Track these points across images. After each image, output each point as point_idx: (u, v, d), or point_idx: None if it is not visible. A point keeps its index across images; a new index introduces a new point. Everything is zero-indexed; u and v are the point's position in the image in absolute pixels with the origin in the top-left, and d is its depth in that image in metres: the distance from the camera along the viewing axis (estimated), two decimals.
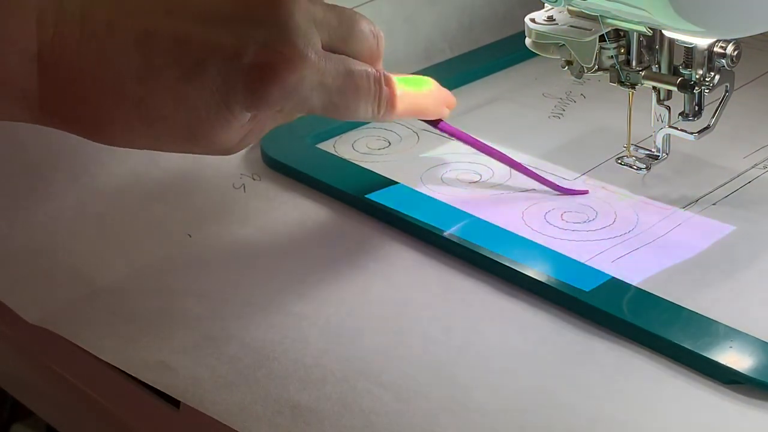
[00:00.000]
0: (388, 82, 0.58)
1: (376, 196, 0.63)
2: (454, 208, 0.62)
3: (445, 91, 0.63)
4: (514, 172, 0.65)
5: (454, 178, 0.65)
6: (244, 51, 0.51)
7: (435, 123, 0.63)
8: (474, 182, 0.65)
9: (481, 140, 0.64)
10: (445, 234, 0.59)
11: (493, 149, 0.64)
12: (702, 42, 0.57)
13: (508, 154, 0.64)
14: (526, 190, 0.64)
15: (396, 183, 0.64)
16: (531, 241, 0.59)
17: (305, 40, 0.52)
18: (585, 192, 0.63)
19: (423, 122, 0.63)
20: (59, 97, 0.51)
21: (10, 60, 0.50)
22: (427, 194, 0.64)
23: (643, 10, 0.52)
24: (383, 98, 0.58)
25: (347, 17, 0.56)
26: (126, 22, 0.51)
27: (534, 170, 0.64)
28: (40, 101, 0.51)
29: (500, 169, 0.65)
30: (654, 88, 0.60)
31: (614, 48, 0.59)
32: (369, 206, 0.63)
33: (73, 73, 0.51)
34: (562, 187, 0.64)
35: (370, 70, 0.57)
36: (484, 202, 0.63)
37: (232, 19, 0.51)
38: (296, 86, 0.52)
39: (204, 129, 0.52)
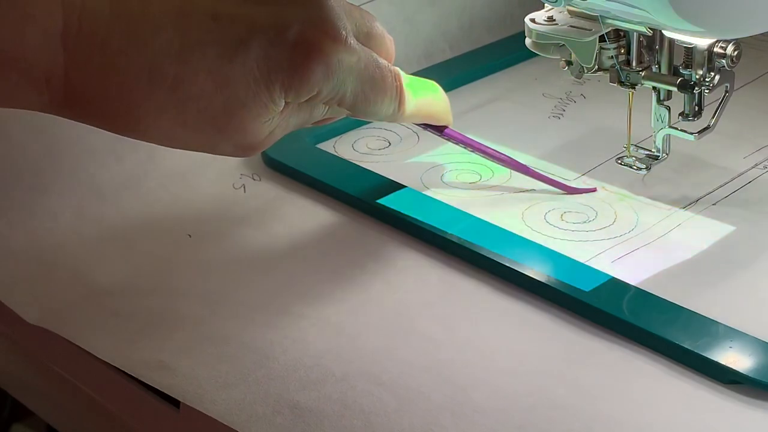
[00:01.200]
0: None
1: (375, 196, 0.63)
2: (454, 208, 0.62)
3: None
4: (514, 172, 0.65)
5: (454, 179, 0.65)
6: (287, 29, 0.51)
7: (440, 129, 0.63)
8: (474, 182, 0.65)
9: (488, 145, 0.64)
10: (446, 235, 0.59)
11: (501, 154, 0.64)
12: (702, 42, 0.57)
13: (510, 156, 0.65)
14: (526, 190, 0.64)
15: (396, 183, 0.64)
16: (531, 241, 0.59)
17: (343, 23, 0.53)
18: (593, 190, 0.64)
19: (425, 127, 0.63)
20: (86, 79, 0.49)
21: (32, 38, 0.48)
22: (427, 195, 0.64)
23: (643, 10, 0.52)
24: (403, 97, 0.58)
25: (368, 16, 0.57)
26: (160, 0, 0.50)
27: (542, 173, 0.64)
28: (64, 84, 0.49)
29: (500, 170, 0.65)
30: (654, 88, 0.60)
31: (614, 48, 0.59)
32: (369, 206, 0.63)
33: (103, 52, 0.49)
34: (572, 188, 0.64)
35: (391, 66, 0.57)
36: (484, 202, 0.63)
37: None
38: (337, 66, 0.53)
39: (239, 114, 0.51)
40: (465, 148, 0.64)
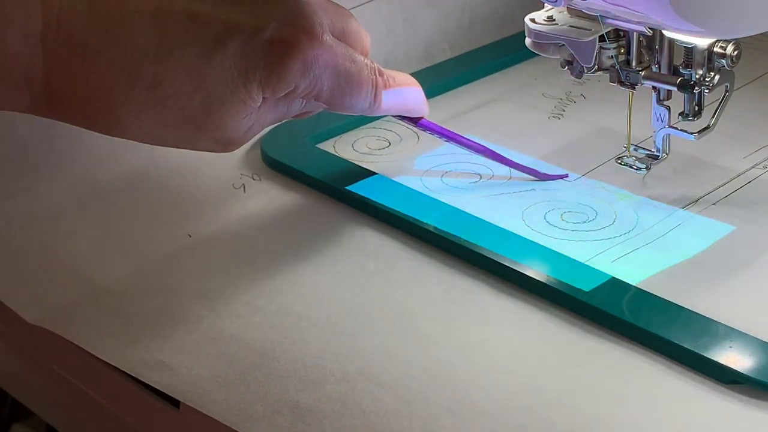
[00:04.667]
0: (382, 76, 0.59)
1: (375, 195, 0.63)
2: (455, 208, 0.62)
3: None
4: (514, 172, 0.65)
5: (454, 178, 0.65)
6: (264, 27, 0.52)
7: (415, 120, 0.64)
8: (474, 182, 0.65)
9: (462, 135, 0.65)
10: (446, 235, 0.59)
11: (476, 143, 0.65)
12: (702, 42, 0.57)
13: (503, 153, 0.65)
14: (526, 190, 0.64)
15: (397, 183, 0.64)
16: (531, 241, 0.59)
17: (319, 20, 0.54)
18: (565, 176, 0.64)
19: (401, 118, 0.64)
20: (66, 79, 0.50)
21: (11, 40, 0.48)
22: (428, 195, 0.64)
23: (643, 10, 0.52)
24: (379, 90, 0.59)
25: (343, 12, 0.58)
26: (137, 0, 0.50)
27: (515, 161, 0.65)
28: (45, 85, 0.50)
29: (500, 169, 0.65)
30: (654, 88, 0.60)
31: (614, 48, 0.59)
32: (369, 206, 0.63)
33: (82, 52, 0.50)
34: (542, 173, 0.64)
35: (368, 61, 0.58)
36: (484, 202, 0.63)
37: None
38: (313, 63, 0.53)
39: (218, 112, 0.52)
40: (440, 138, 0.65)
